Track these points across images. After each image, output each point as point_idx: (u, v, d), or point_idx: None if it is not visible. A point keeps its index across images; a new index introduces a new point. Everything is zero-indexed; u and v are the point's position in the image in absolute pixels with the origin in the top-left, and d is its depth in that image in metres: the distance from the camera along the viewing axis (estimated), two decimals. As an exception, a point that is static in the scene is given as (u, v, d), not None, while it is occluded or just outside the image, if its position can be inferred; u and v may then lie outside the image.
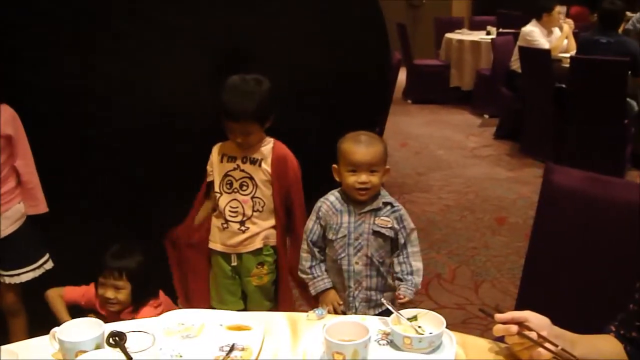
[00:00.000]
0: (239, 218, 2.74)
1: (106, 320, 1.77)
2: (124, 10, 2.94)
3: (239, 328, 1.73)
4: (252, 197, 2.72)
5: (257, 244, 2.77)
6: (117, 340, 1.52)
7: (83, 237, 2.98)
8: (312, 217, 2.48)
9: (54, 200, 2.93)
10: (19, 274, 2.88)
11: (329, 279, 2.45)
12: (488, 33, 9.22)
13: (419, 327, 1.63)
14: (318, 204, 2.48)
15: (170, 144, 3.02)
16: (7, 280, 2.88)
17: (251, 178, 2.71)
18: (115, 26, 2.93)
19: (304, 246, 2.49)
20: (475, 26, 10.32)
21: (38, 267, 2.93)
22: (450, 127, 8.01)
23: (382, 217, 2.39)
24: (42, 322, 2.95)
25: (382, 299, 1.86)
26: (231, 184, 2.73)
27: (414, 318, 1.66)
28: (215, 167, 2.77)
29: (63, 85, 2.91)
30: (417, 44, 10.34)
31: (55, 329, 1.76)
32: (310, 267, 2.46)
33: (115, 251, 2.59)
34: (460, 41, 9.21)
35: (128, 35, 2.94)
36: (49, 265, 2.97)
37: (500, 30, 8.96)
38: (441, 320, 1.61)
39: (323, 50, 3.19)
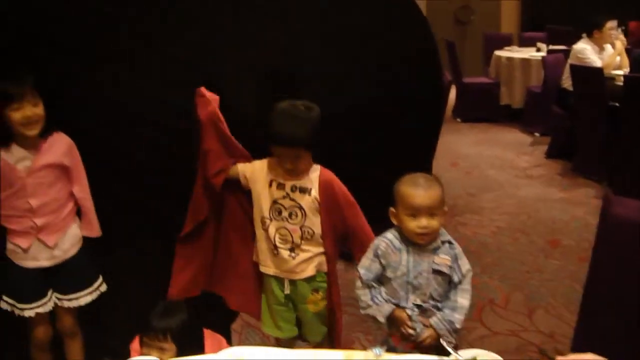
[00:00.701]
0: (289, 246, 2.74)
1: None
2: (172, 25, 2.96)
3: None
4: (301, 227, 2.72)
5: (310, 271, 2.77)
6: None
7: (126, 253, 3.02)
8: (369, 255, 2.43)
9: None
10: (77, 298, 2.93)
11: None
12: (538, 50, 9.13)
13: (478, 368, 1.62)
14: (376, 242, 2.43)
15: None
16: (67, 304, 2.93)
17: (300, 207, 2.70)
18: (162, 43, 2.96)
19: (359, 284, 2.43)
20: (524, 42, 10.22)
21: (95, 290, 2.97)
22: (501, 146, 7.93)
23: (441, 255, 2.35)
24: (96, 344, 3.02)
25: (441, 340, 1.82)
26: (280, 212, 2.72)
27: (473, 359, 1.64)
28: (263, 191, 2.75)
29: (109, 100, 2.94)
30: (465, 61, 10.30)
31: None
32: (372, 298, 2.40)
33: (159, 311, 2.57)
34: (510, 59, 9.13)
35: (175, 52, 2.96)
36: (104, 287, 3.01)
37: (551, 47, 8.86)
38: (500, 361, 1.60)
39: (374, 74, 3.18)
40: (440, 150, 4.13)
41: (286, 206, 2.72)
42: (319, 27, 3.11)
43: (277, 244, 2.74)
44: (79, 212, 2.94)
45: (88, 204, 2.94)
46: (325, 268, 2.78)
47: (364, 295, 2.41)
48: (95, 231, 2.96)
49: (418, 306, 2.34)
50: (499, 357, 1.61)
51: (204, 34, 2.96)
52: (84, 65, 2.88)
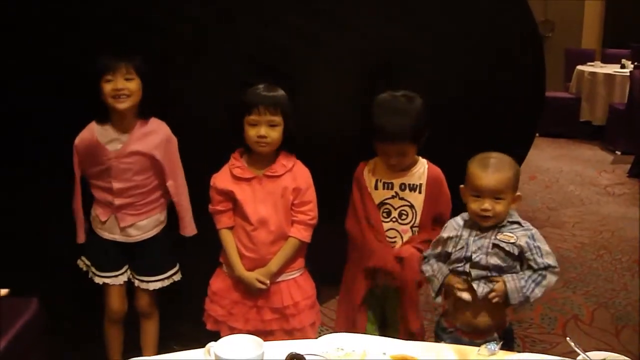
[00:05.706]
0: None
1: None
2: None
3: (405, 359, 1.65)
4: (412, 227, 2.61)
5: None
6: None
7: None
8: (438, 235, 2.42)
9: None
10: (147, 282, 2.93)
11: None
12: (623, 66, 8.85)
13: (607, 373, 1.51)
14: (446, 223, 2.40)
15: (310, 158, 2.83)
16: (137, 284, 2.95)
17: (411, 206, 2.59)
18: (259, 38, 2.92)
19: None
20: (607, 59, 9.93)
21: (167, 278, 2.96)
22: (581, 163, 7.71)
23: (505, 233, 2.24)
24: (171, 326, 3.03)
25: (568, 339, 1.69)
26: (389, 213, 2.61)
27: (603, 363, 1.54)
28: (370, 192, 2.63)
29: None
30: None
31: (211, 344, 1.74)
32: (430, 265, 2.41)
33: (265, 87, 2.54)
34: (593, 74, 8.88)
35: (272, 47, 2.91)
36: (178, 277, 3.00)
37: (636, 63, 8.58)
38: (632, 367, 1.48)
39: (479, 69, 3.07)
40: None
41: (395, 206, 2.60)
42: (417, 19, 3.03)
43: None
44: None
45: (183, 202, 2.91)
46: None
47: (424, 265, 2.43)
48: (188, 230, 2.95)
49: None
50: (630, 363, 1.50)
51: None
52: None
